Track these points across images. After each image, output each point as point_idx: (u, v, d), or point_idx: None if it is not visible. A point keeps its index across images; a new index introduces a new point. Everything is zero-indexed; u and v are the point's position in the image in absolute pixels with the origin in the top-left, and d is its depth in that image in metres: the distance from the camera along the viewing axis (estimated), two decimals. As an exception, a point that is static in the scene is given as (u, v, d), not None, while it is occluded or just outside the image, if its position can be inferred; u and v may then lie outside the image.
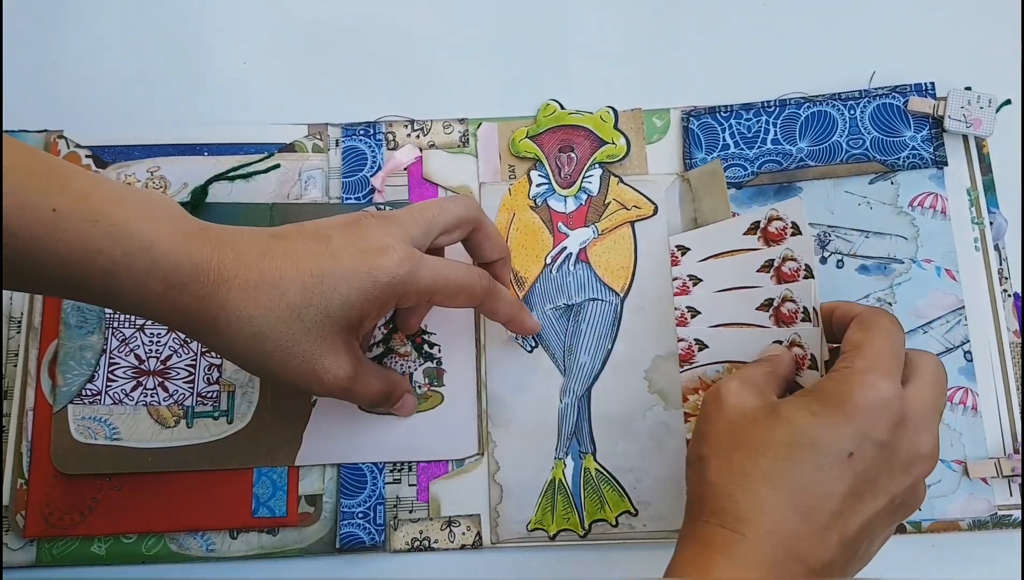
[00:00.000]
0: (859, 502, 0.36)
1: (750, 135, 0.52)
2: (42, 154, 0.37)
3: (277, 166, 0.53)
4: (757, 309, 0.45)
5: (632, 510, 0.48)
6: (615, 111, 0.53)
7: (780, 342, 0.44)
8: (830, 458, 0.35)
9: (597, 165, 0.53)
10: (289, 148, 0.54)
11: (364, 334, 0.45)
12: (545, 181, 0.53)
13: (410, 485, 0.49)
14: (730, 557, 0.35)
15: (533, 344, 0.50)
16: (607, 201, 0.52)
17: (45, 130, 0.53)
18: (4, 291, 0.51)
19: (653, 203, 0.52)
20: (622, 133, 0.53)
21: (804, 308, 0.43)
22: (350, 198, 0.52)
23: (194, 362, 0.49)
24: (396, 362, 0.50)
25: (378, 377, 0.45)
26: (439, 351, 0.50)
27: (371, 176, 0.53)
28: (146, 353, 0.49)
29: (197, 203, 0.52)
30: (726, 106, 0.53)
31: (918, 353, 0.39)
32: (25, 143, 0.36)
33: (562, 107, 0.54)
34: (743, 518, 0.35)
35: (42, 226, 0.34)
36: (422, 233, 0.42)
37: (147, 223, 0.36)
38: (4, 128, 0.53)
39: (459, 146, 0.54)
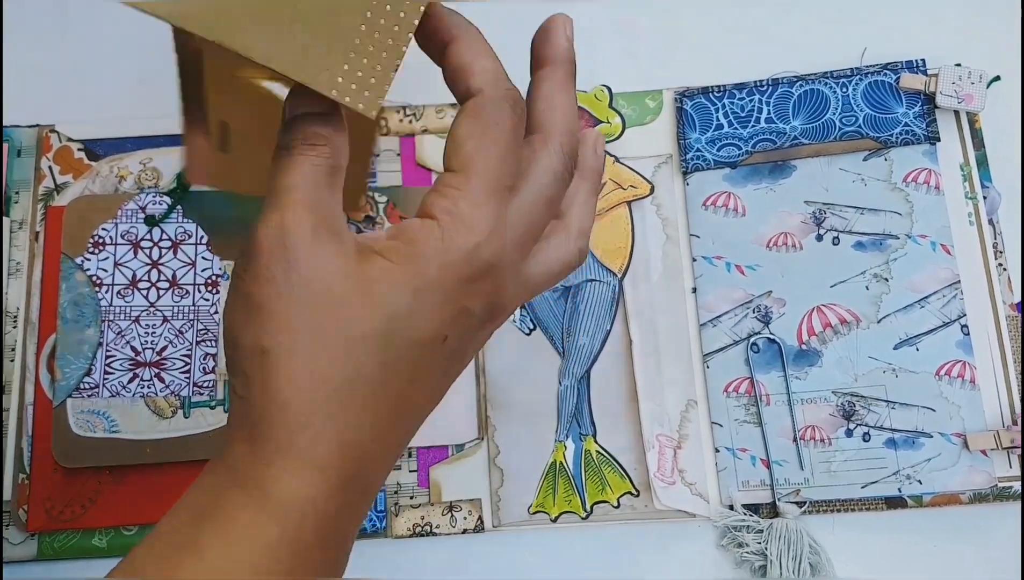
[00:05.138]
0: (447, 379, 0.29)
1: (743, 114, 0.52)
2: None
3: None
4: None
5: (634, 491, 0.48)
6: (610, 90, 0.53)
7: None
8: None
9: (591, 147, 0.53)
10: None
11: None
12: (539, 166, 0.52)
13: (410, 471, 0.49)
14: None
15: (531, 326, 0.50)
16: (603, 181, 0.52)
17: (37, 124, 0.53)
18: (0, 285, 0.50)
19: (649, 182, 0.52)
20: (617, 112, 0.53)
21: None
22: (344, 186, 0.52)
23: (190, 352, 0.49)
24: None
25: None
26: (437, 337, 0.50)
27: (365, 164, 0.53)
28: (142, 344, 0.49)
29: (184, 186, 0.51)
30: (719, 86, 0.53)
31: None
32: None
33: (555, 90, 0.53)
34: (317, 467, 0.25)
35: None
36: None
37: None
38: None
39: (452, 132, 0.53)
